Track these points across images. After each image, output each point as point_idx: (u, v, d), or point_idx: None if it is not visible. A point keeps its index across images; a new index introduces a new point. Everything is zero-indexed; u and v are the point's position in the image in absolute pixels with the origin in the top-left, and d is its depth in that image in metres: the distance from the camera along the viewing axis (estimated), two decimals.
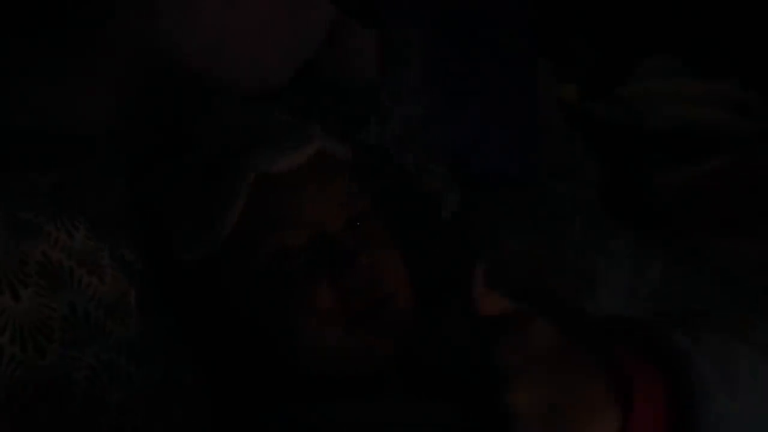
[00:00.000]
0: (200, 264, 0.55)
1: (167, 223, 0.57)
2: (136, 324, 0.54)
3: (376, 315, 0.52)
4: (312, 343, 0.53)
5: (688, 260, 0.91)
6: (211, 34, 0.63)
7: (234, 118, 0.59)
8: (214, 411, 0.57)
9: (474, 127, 0.82)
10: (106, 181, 0.58)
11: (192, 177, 0.56)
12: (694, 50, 1.05)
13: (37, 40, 0.61)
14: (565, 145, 1.02)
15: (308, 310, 0.52)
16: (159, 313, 0.57)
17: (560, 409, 0.34)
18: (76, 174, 0.57)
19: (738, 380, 0.40)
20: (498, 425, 0.35)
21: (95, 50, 0.61)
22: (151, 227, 0.58)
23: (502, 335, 0.36)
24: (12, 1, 0.61)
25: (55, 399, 0.48)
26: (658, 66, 1.07)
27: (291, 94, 0.72)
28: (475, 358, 0.37)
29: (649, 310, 0.87)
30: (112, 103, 0.63)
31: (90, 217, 0.56)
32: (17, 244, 0.50)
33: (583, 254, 0.83)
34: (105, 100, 0.62)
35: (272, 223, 0.53)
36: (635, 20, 1.08)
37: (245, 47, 0.66)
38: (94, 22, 0.61)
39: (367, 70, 0.76)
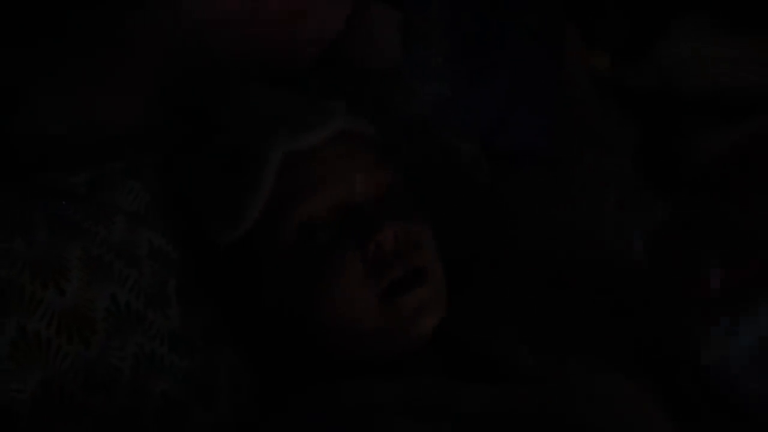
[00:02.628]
0: (232, 246, 0.56)
1: (199, 209, 0.58)
2: (176, 314, 0.56)
3: (408, 289, 0.52)
4: (343, 319, 0.53)
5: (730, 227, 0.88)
6: (233, 19, 0.64)
7: (258, 101, 0.60)
8: (257, 397, 0.58)
9: (500, 102, 0.81)
10: (138, 176, 0.60)
11: (220, 161, 0.57)
12: (730, 7, 1.01)
13: (63, 42, 0.62)
14: (599, 115, 0.99)
15: (337, 281, 0.52)
16: (198, 302, 0.58)
17: None
18: (109, 170, 0.59)
19: None
20: None
21: (119, 49, 0.62)
22: (185, 214, 0.59)
23: None
24: (32, 6, 0.62)
25: (102, 388, 0.50)
26: (693, 26, 1.03)
27: (314, 77, 0.72)
28: None
29: None
30: (140, 100, 0.64)
31: (126, 210, 0.57)
32: (58, 240, 0.51)
33: (621, 227, 0.82)
34: (133, 99, 0.64)
35: (299, 196, 0.53)
36: None
37: (268, 31, 0.66)
38: (115, 20, 0.62)
39: (391, 50, 0.76)
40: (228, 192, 0.56)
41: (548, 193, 0.78)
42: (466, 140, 0.78)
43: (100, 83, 0.64)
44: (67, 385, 0.49)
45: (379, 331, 0.53)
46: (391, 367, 0.54)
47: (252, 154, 0.54)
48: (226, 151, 0.56)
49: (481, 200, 0.73)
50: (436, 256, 0.56)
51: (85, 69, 0.64)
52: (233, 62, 0.65)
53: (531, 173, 0.79)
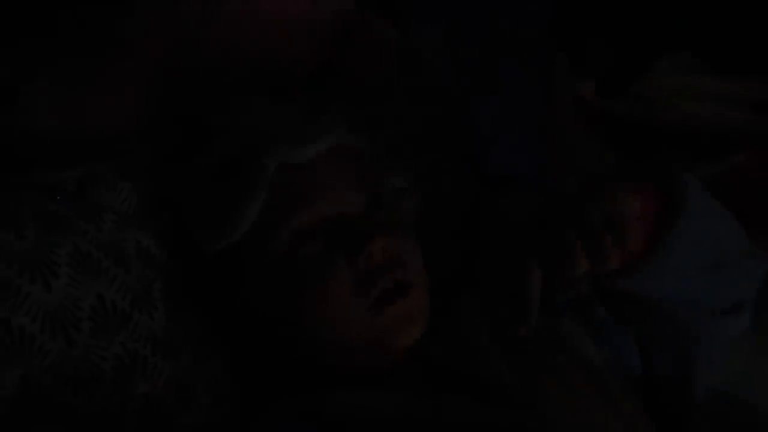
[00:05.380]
0: (222, 254, 0.56)
1: (190, 216, 0.58)
2: (161, 316, 0.56)
3: (393, 300, 0.53)
4: (329, 330, 0.53)
5: None
6: (231, 28, 0.64)
7: (254, 112, 0.60)
8: (240, 403, 0.58)
9: (491, 123, 0.83)
10: (129, 176, 0.60)
11: (215, 169, 0.57)
12: (712, 48, 1.05)
13: (57, 41, 0.62)
14: (583, 143, 1.02)
15: (326, 292, 0.53)
16: (184, 306, 0.58)
17: None
18: (100, 170, 0.58)
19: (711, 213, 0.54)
20: None
21: (117, 50, 0.62)
22: (175, 219, 0.60)
23: None
24: (23, 5, 0.61)
25: (83, 387, 0.50)
26: (675, 63, 1.07)
27: (308, 92, 0.72)
28: None
29: None
30: (135, 102, 0.64)
31: (115, 210, 0.57)
32: (48, 236, 0.51)
33: None
34: (129, 100, 0.63)
35: (291, 208, 0.54)
36: (653, 17, 1.08)
37: (266, 40, 0.67)
38: (114, 21, 0.62)
39: (386, 69, 0.77)
40: (221, 200, 0.56)
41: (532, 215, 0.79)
42: (452, 161, 0.80)
43: (91, 84, 0.64)
44: (48, 382, 0.48)
45: (364, 342, 0.53)
46: (375, 380, 0.54)
47: (248, 164, 0.55)
48: (222, 160, 0.57)
49: (468, 218, 0.75)
50: (421, 271, 0.57)
51: (76, 69, 0.63)
52: (229, 68, 0.66)
53: (516, 195, 0.81)
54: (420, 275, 0.56)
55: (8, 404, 0.46)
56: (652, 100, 1.05)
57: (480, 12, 0.84)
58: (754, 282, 0.58)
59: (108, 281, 0.53)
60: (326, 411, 0.51)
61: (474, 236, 0.74)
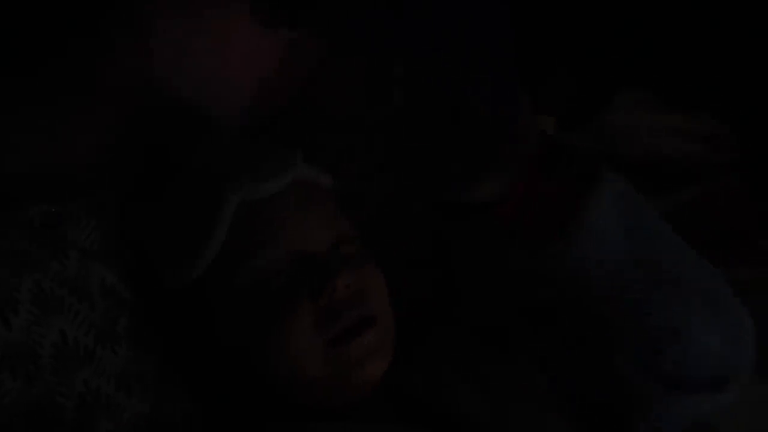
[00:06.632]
0: (186, 291, 0.56)
1: (153, 253, 0.58)
2: (125, 352, 0.55)
3: (355, 335, 0.53)
4: (291, 367, 0.53)
5: None
6: (201, 74, 0.65)
7: (217, 149, 0.61)
8: None
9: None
10: (94, 214, 0.59)
11: (177, 206, 0.57)
12: (667, 85, 1.09)
13: (28, 79, 0.62)
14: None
15: (288, 329, 0.53)
16: (149, 343, 0.57)
17: None
18: (66, 207, 0.58)
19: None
20: None
21: (88, 89, 0.63)
22: (139, 256, 0.59)
23: None
24: (3, 40, 0.62)
25: (44, 426, 0.49)
26: (632, 99, 1.11)
27: (278, 126, 0.73)
28: None
29: None
30: (104, 141, 0.64)
31: (80, 247, 0.57)
32: (10, 272, 0.51)
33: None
34: (97, 139, 0.63)
35: (254, 244, 0.54)
36: (611, 56, 1.12)
37: (234, 87, 0.68)
38: (86, 61, 0.62)
39: (353, 100, 0.78)
40: (183, 237, 0.56)
41: (498, 247, 0.81)
42: (421, 191, 0.81)
43: (62, 123, 0.64)
44: (8, 422, 0.47)
45: (326, 379, 0.53)
46: (345, 415, 0.54)
47: (209, 201, 0.55)
48: (183, 197, 0.57)
49: (437, 250, 0.75)
50: (386, 304, 0.57)
51: (48, 109, 0.63)
52: (198, 111, 0.66)
53: (485, 227, 0.82)
54: (385, 307, 0.57)
55: None
56: (611, 134, 1.08)
57: (440, 46, 0.86)
58: (740, 340, 0.55)
59: (71, 318, 0.53)
60: None
61: (445, 263, 0.75)
